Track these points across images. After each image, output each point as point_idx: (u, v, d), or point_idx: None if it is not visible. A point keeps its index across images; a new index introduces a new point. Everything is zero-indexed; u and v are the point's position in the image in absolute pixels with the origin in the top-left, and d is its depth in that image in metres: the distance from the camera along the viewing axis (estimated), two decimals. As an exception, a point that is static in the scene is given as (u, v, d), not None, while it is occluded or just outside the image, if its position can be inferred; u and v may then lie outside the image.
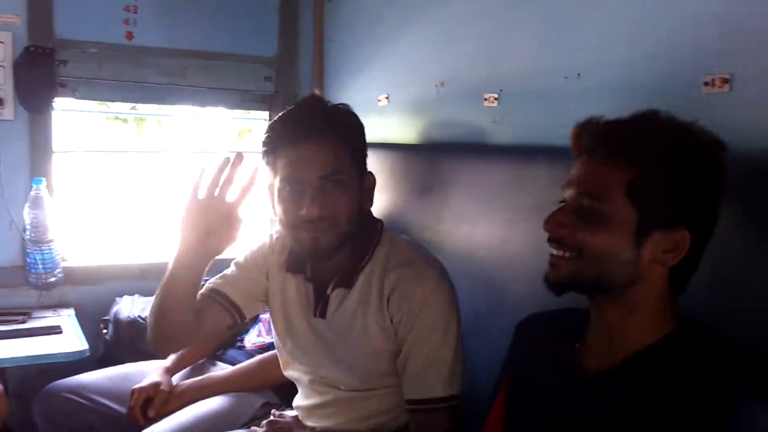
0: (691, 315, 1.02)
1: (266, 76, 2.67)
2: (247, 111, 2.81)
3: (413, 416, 1.36)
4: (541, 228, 1.04)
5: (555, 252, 1.02)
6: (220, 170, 1.32)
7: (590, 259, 0.98)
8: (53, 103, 2.31)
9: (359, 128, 1.47)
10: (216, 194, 1.32)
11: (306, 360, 1.50)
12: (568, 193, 1.02)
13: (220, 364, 2.02)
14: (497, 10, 1.78)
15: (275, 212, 1.40)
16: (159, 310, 1.41)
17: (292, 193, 1.34)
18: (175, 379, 1.90)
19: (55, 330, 2.10)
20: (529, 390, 1.13)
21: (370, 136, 2.34)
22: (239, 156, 1.33)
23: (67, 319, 2.25)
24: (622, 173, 0.96)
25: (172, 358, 1.95)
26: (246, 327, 2.11)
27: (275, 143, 1.37)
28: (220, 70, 2.57)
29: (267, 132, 1.40)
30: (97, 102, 2.58)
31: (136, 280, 2.48)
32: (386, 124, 2.28)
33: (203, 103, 2.64)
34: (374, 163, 2.18)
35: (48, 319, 2.23)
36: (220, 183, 1.32)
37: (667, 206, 0.95)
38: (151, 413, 1.75)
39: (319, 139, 1.34)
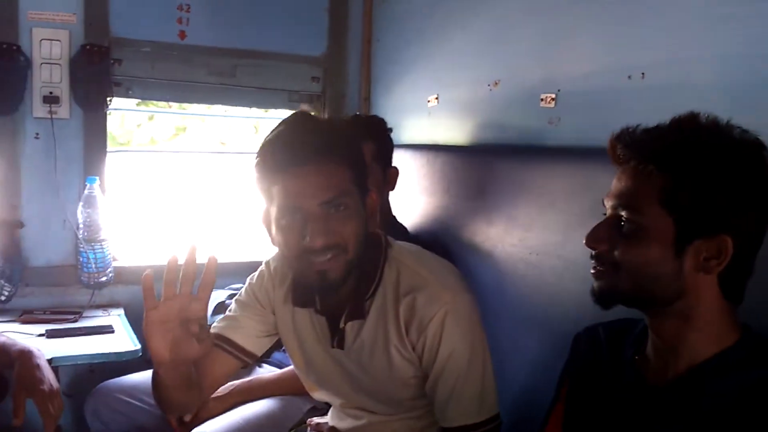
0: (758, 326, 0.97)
1: (314, 76, 2.66)
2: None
3: None
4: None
5: (594, 266, 0.99)
6: (171, 270, 1.12)
7: (628, 274, 0.95)
8: (108, 102, 2.33)
9: (357, 143, 1.32)
10: (173, 297, 1.13)
11: (332, 388, 1.44)
12: (609, 205, 0.99)
13: (266, 366, 2.01)
14: (555, 6, 1.74)
15: (274, 242, 1.27)
16: (156, 393, 1.31)
17: (292, 222, 1.20)
18: None
19: (107, 329, 2.12)
20: (588, 403, 1.09)
21: (418, 137, 2.34)
22: (192, 248, 1.13)
23: (117, 318, 2.27)
24: (654, 181, 0.93)
25: None
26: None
27: (268, 169, 1.22)
28: (269, 69, 2.56)
29: (258, 156, 1.24)
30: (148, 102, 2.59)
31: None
32: (435, 125, 2.26)
33: (251, 104, 2.64)
34: (422, 165, 2.18)
35: (99, 319, 2.25)
36: (177, 284, 1.13)
37: (705, 212, 0.91)
38: (187, 418, 1.72)
39: (317, 162, 1.19)
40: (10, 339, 1.77)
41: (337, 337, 1.35)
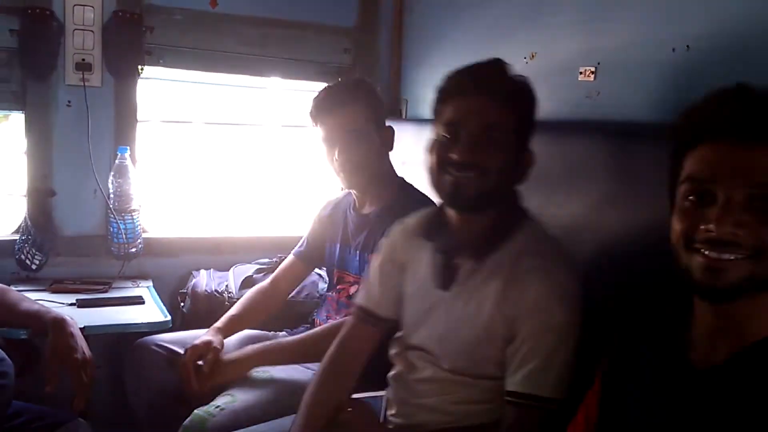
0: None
1: (344, 47, 2.61)
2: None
3: (511, 409, 1.29)
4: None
5: (722, 256, 0.90)
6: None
7: None
8: (139, 70, 2.31)
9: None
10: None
11: (415, 331, 1.47)
12: (723, 187, 0.90)
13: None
14: (596, -24, 1.68)
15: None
16: None
17: (449, 136, 1.34)
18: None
19: (137, 300, 2.12)
20: (628, 384, 1.07)
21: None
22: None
23: (145, 290, 2.27)
24: None
25: (223, 319, 1.95)
26: (317, 305, 2.10)
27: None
28: (299, 40, 2.52)
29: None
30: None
31: (211, 254, 2.49)
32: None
33: (281, 75, 2.58)
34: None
35: (128, 290, 2.26)
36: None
37: None
38: (206, 368, 1.75)
39: (485, 92, 1.36)
40: (44, 306, 1.77)
41: (445, 277, 1.41)
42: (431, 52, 2.44)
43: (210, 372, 1.75)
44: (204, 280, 2.29)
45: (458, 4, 2.27)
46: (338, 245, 1.99)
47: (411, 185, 1.96)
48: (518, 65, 1.90)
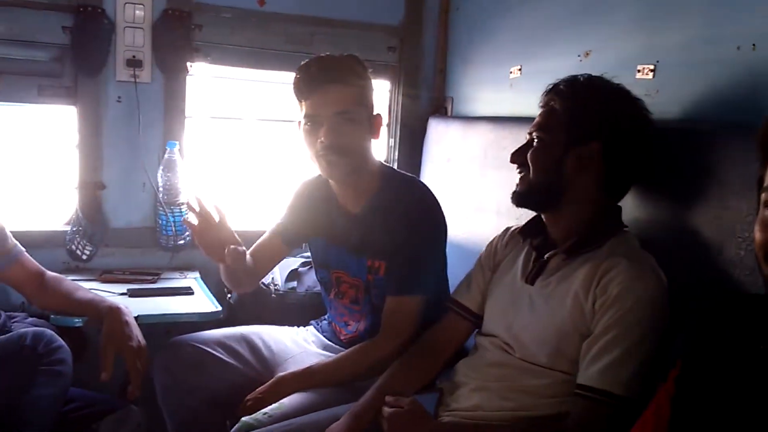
0: None
1: (390, 45, 2.63)
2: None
3: (581, 403, 1.29)
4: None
5: None
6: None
7: None
8: (188, 67, 2.35)
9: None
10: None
11: (494, 321, 1.53)
12: None
13: (319, 351, 1.96)
14: (655, -29, 1.67)
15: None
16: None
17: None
18: None
19: (187, 291, 2.17)
20: (707, 389, 1.04)
21: (498, 109, 2.29)
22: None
23: (193, 281, 2.31)
24: None
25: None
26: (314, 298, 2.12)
27: None
28: (345, 38, 2.54)
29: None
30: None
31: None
32: (518, 97, 2.21)
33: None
34: (504, 137, 2.14)
35: (177, 281, 2.30)
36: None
37: None
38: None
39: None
40: (99, 295, 1.82)
41: (534, 271, 1.47)
42: (478, 49, 2.45)
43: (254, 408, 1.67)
44: (250, 273, 2.32)
45: (508, 2, 2.28)
46: (332, 245, 1.88)
47: (392, 172, 1.86)
48: (572, 63, 1.93)
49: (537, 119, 1.47)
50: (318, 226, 1.89)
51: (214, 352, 1.85)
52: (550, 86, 1.48)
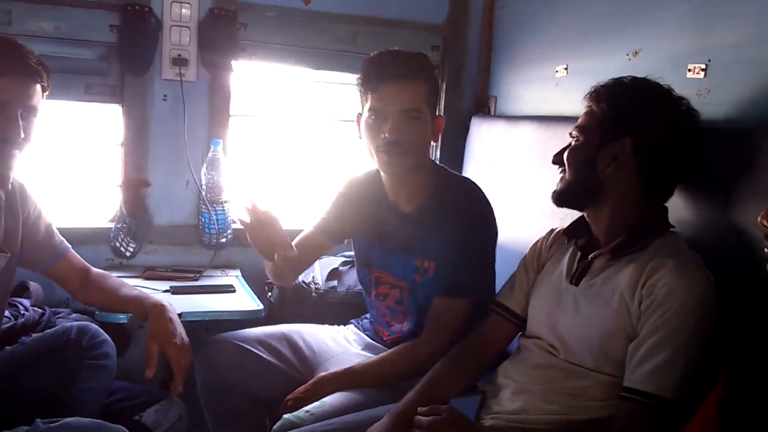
0: None
1: (433, 44, 2.60)
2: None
3: (627, 406, 1.27)
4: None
5: None
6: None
7: None
8: (233, 66, 2.36)
9: None
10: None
11: (538, 322, 1.52)
12: None
13: (360, 352, 1.93)
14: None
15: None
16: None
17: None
18: None
19: (228, 289, 2.17)
20: (757, 390, 1.02)
21: (544, 108, 2.25)
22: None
23: (235, 279, 2.32)
24: None
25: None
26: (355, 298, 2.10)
27: None
28: (389, 37, 2.51)
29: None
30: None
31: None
32: (564, 96, 2.17)
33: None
34: (549, 137, 2.10)
35: (218, 278, 2.31)
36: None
37: None
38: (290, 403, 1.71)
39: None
40: (143, 292, 1.83)
41: (578, 272, 1.46)
42: (523, 48, 2.41)
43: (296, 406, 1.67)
44: (290, 271, 2.32)
45: (554, 1, 2.23)
46: (377, 243, 1.87)
47: (446, 173, 1.83)
48: (620, 62, 1.88)
49: (578, 121, 1.47)
50: (364, 223, 1.88)
51: (254, 350, 1.86)
52: (592, 89, 1.47)
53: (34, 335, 1.61)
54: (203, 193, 2.32)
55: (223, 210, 2.33)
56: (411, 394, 1.51)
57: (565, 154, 1.47)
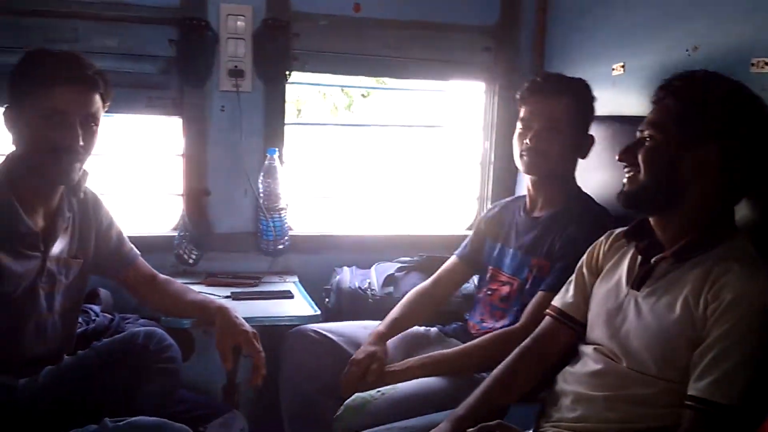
0: None
1: (485, 46, 2.59)
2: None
3: (691, 415, 1.23)
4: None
5: None
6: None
7: None
8: (287, 76, 2.40)
9: None
10: None
11: (597, 328, 1.49)
12: None
13: (446, 339, 2.01)
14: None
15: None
16: None
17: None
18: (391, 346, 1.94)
19: (287, 294, 2.21)
20: None
21: (600, 108, 2.21)
22: None
23: (292, 285, 2.35)
24: None
25: (385, 323, 1.98)
26: (470, 306, 2.09)
27: None
28: (440, 41, 2.53)
29: None
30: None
31: (353, 252, 2.54)
32: (621, 95, 2.12)
33: (423, 76, 2.62)
34: (605, 138, 2.06)
35: (277, 284, 2.35)
36: None
37: None
38: (370, 379, 1.79)
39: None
40: (207, 297, 1.89)
41: (640, 276, 1.42)
42: (577, 47, 2.38)
43: (374, 382, 1.77)
44: (347, 277, 2.35)
45: (609, -1, 2.20)
46: (499, 244, 1.99)
47: (588, 196, 1.94)
48: (679, 58, 1.84)
49: (649, 116, 1.40)
50: (497, 232, 2.03)
51: (335, 338, 1.94)
52: (664, 81, 1.40)
53: (104, 340, 1.66)
54: (261, 201, 2.36)
55: (281, 217, 2.37)
56: (470, 400, 1.50)
57: (640, 154, 1.38)
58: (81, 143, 1.57)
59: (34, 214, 1.63)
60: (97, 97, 1.62)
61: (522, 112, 1.93)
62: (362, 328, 2.02)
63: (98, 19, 2.25)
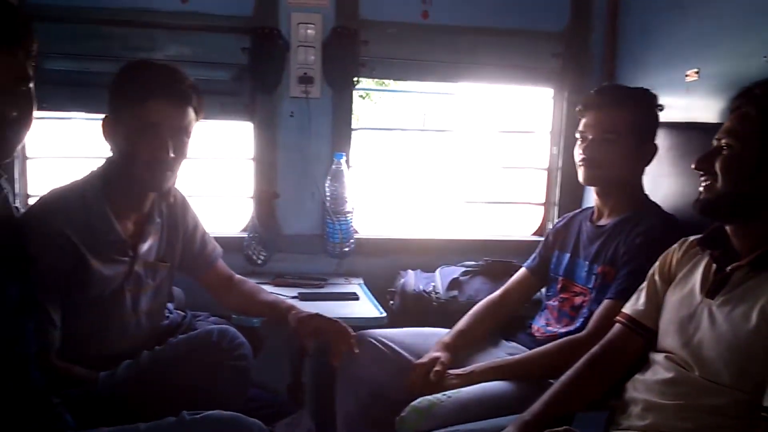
0: None
1: (554, 52, 2.58)
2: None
3: (765, 426, 1.20)
4: None
5: None
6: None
7: None
8: (354, 82, 2.45)
9: None
10: None
11: (669, 336, 1.47)
12: None
13: (510, 343, 2.00)
14: None
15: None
16: None
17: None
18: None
19: (352, 296, 2.25)
20: None
21: (672, 115, 2.17)
22: None
23: (357, 287, 2.39)
24: None
25: (451, 333, 1.98)
26: (533, 312, 2.08)
27: None
28: (509, 46, 2.54)
29: None
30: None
31: (417, 255, 2.57)
32: (695, 103, 2.08)
33: (490, 81, 2.63)
34: (678, 145, 2.03)
35: (342, 286, 2.39)
36: None
37: None
38: (433, 380, 1.79)
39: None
40: (278, 297, 1.97)
41: (714, 285, 1.41)
42: (650, 53, 2.33)
43: (437, 386, 1.77)
44: (412, 280, 2.37)
45: (683, 4, 2.15)
46: (567, 255, 1.99)
47: (655, 204, 1.92)
48: (756, 65, 1.79)
49: (727, 124, 1.38)
50: (565, 242, 2.03)
51: (390, 353, 1.94)
52: (743, 89, 1.37)
53: (180, 336, 1.72)
54: (327, 204, 2.41)
55: (347, 220, 2.41)
56: (537, 405, 1.50)
57: (717, 163, 1.36)
58: (171, 155, 1.63)
59: (126, 220, 1.70)
60: (190, 110, 1.67)
61: (580, 125, 1.95)
62: (423, 337, 2.01)
63: (175, 28, 2.35)
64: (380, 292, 2.36)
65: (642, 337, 1.55)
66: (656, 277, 1.57)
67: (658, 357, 1.47)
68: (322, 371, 2.32)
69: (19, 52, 1.28)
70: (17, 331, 1.37)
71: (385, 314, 2.09)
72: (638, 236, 1.79)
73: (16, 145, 1.34)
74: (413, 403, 1.67)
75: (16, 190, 2.35)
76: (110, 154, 1.71)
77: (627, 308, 1.60)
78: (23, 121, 1.31)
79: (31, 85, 1.33)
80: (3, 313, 1.32)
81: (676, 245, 1.57)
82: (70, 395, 1.49)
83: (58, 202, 1.64)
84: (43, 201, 1.65)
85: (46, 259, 1.53)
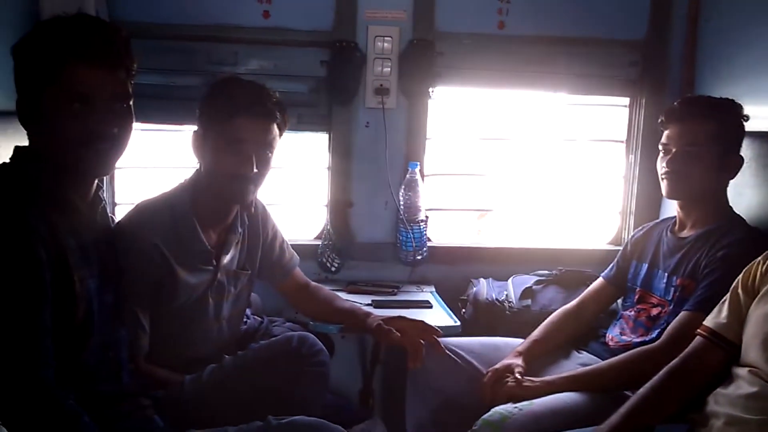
0: None
1: (632, 60, 2.55)
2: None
3: None
4: None
5: None
6: None
7: None
8: (430, 92, 2.47)
9: None
10: None
11: (753, 350, 1.45)
12: None
13: (582, 353, 1.99)
14: None
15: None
16: None
17: None
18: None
19: (425, 304, 2.28)
20: None
21: (760, 124, 2.11)
22: None
23: (429, 295, 2.41)
24: None
25: (525, 343, 1.99)
26: (606, 322, 2.06)
27: None
28: (585, 56, 2.52)
29: None
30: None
31: (489, 264, 2.57)
32: (781, 110, 2.01)
33: (567, 90, 2.60)
34: (763, 155, 1.97)
35: (415, 294, 2.42)
36: None
37: None
38: (506, 387, 1.80)
39: None
40: (354, 304, 2.03)
41: None
42: (734, 61, 2.27)
43: (510, 394, 1.77)
44: (484, 289, 2.38)
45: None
46: (646, 265, 1.97)
47: (740, 217, 1.88)
48: None
49: None
50: (644, 253, 2.02)
51: (462, 363, 1.95)
52: None
53: (261, 342, 1.78)
54: (401, 213, 2.45)
55: (420, 229, 2.44)
56: (615, 418, 1.49)
57: None
58: (255, 170, 1.70)
59: (210, 231, 1.79)
60: (274, 127, 1.74)
61: (663, 137, 1.93)
62: (495, 347, 2.02)
63: (257, 43, 2.43)
64: (452, 300, 2.37)
65: (723, 350, 1.52)
66: (739, 290, 1.54)
67: (742, 371, 1.44)
68: (393, 378, 2.35)
69: (120, 71, 1.36)
70: (112, 336, 1.46)
71: (459, 323, 2.11)
72: (721, 249, 1.76)
73: (116, 160, 1.42)
74: (484, 416, 1.66)
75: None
76: (197, 166, 1.79)
77: (708, 321, 1.57)
78: (123, 137, 1.39)
79: (131, 102, 1.41)
80: (100, 320, 1.40)
81: (760, 258, 1.54)
82: (156, 397, 1.58)
83: (149, 214, 1.73)
84: (136, 212, 1.75)
85: (138, 268, 1.62)
